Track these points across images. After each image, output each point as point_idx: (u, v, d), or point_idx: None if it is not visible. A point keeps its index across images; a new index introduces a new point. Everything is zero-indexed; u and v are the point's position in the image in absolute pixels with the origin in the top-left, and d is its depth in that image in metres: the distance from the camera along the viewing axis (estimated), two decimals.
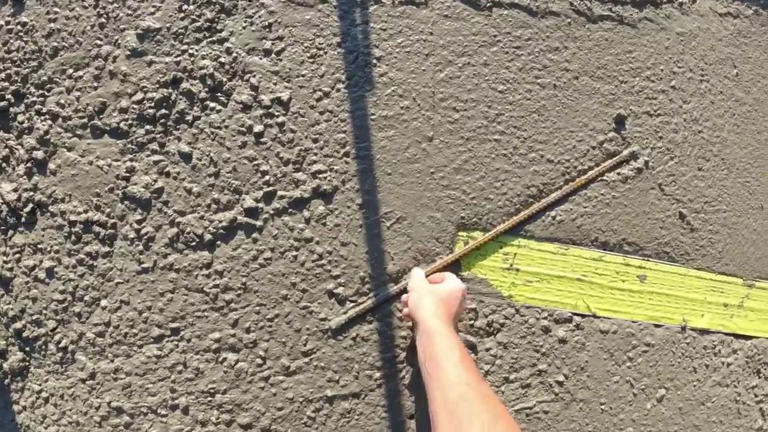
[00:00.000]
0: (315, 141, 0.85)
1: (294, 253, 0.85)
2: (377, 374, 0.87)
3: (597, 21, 0.91)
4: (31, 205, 0.86)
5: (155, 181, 0.85)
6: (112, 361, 0.86)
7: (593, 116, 0.90)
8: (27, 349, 0.89)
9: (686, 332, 0.98)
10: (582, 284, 0.92)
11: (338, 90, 0.86)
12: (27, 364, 0.89)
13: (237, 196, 0.85)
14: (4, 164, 0.87)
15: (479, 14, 0.87)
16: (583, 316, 0.92)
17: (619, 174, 0.91)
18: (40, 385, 0.89)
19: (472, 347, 0.89)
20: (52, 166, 0.85)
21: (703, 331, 1.00)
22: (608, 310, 0.93)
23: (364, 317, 0.86)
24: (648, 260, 0.95)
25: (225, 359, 0.86)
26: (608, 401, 0.95)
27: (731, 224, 1.00)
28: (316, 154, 0.85)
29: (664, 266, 0.96)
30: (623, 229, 0.93)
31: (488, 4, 0.87)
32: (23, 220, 0.87)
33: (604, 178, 0.91)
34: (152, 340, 0.86)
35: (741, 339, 1.03)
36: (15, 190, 0.86)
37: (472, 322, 0.89)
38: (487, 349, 0.89)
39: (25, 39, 0.85)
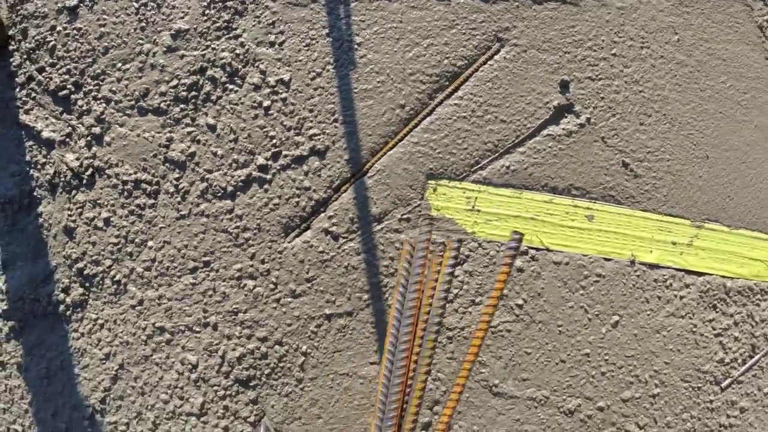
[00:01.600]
0: (311, 111, 1.07)
1: (296, 199, 1.07)
2: (366, 296, 1.07)
3: (542, 2, 1.09)
4: (90, 170, 1.12)
5: (189, 147, 1.09)
6: (156, 289, 1.11)
7: (540, 82, 1.08)
8: (87, 284, 1.14)
9: (635, 266, 1.13)
10: (535, 222, 1.09)
11: (328, 70, 1.07)
12: (86, 297, 1.15)
13: (251, 156, 1.08)
14: (67, 139, 1.14)
15: (440, 3, 1.07)
16: (537, 249, 1.10)
17: (563, 129, 1.09)
18: (96, 314, 1.14)
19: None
20: (107, 139, 1.11)
21: (653, 266, 1.14)
22: (560, 245, 1.10)
23: (355, 249, 1.07)
24: (595, 202, 1.11)
25: (245, 285, 1.08)
26: (564, 324, 1.11)
27: (675, 171, 1.14)
28: (311, 122, 1.07)
29: (611, 207, 1.12)
30: (570, 176, 1.09)
31: None
32: (84, 182, 1.13)
33: (550, 132, 1.08)
34: (188, 271, 1.09)
35: (693, 275, 1.16)
36: (77, 158, 1.12)
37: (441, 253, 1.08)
38: (456, 276, 1.08)
39: (80, 41, 1.12)
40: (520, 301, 1.09)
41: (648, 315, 1.14)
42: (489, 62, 1.07)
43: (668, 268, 1.15)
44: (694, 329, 1.15)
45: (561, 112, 1.08)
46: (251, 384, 1.09)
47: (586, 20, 1.10)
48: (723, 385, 1.18)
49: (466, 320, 1.09)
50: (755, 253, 1.18)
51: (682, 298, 1.15)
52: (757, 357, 1.19)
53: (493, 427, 1.11)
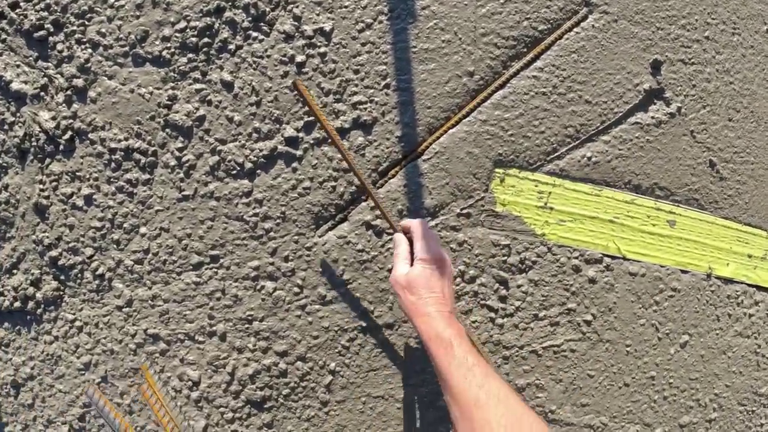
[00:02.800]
0: (356, 72, 0.86)
1: (332, 183, 0.86)
2: None
3: None
4: (70, 133, 0.86)
5: (197, 109, 0.85)
6: (150, 288, 0.87)
7: (631, 60, 0.91)
8: (62, 277, 0.90)
9: (711, 280, 1.00)
10: (614, 226, 0.93)
11: (380, 22, 0.86)
12: (61, 293, 0.90)
13: (278, 126, 0.86)
14: (42, 93, 0.87)
15: None
16: (613, 257, 0.94)
17: (653, 118, 0.92)
18: (74, 314, 0.90)
19: (503, 283, 0.90)
20: (92, 94, 0.85)
21: (728, 281, 1.01)
22: (638, 253, 0.95)
23: None
24: (678, 206, 0.96)
25: (263, 287, 0.87)
26: (633, 343, 0.96)
27: (758, 176, 1.01)
28: (356, 86, 0.86)
29: (694, 213, 0.97)
30: (656, 173, 0.94)
31: None
32: (61, 148, 0.87)
33: (639, 120, 0.92)
34: (191, 267, 0.87)
35: (763, 291, 1.05)
36: (53, 118, 0.86)
37: (505, 258, 0.90)
38: (519, 286, 0.91)
39: None
40: (589, 317, 0.94)
41: (717, 334, 1.02)
42: (575, 29, 0.89)
43: (741, 283, 1.03)
44: (758, 350, 1.04)
45: (651, 97, 0.92)
46: (265, 406, 0.88)
47: None
48: None
49: (526, 337, 0.92)
50: None
51: (750, 316, 1.04)
52: None
53: None
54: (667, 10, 0.93)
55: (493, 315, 0.90)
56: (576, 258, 0.92)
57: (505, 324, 0.91)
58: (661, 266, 0.96)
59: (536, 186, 0.90)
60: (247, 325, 0.87)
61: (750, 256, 1.03)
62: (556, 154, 0.89)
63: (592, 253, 0.93)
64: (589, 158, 0.90)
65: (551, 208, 0.91)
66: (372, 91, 0.86)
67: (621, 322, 0.95)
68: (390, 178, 0.87)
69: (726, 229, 1.00)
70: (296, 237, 0.87)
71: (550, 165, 0.90)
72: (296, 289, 0.87)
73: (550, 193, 0.90)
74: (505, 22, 0.87)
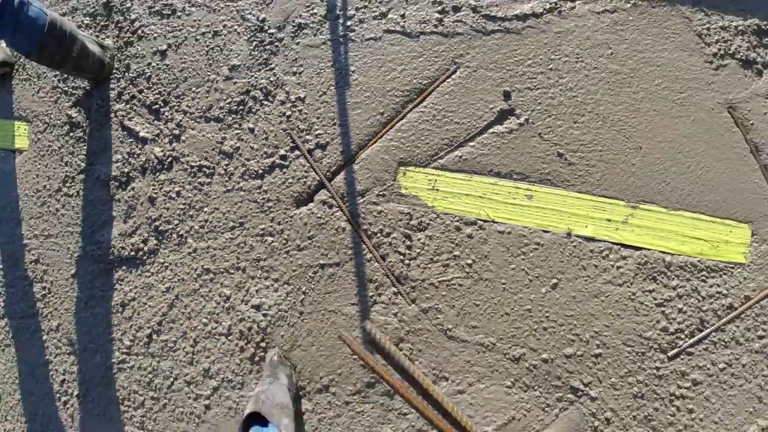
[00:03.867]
0: (317, 118, 1.50)
1: (304, 179, 1.49)
2: (350, 252, 1.43)
3: (490, 34, 1.44)
4: (170, 159, 1.63)
5: (235, 143, 1.57)
6: (206, 241, 1.56)
7: (487, 93, 1.42)
8: (159, 237, 1.62)
9: (572, 237, 1.37)
10: (483, 200, 1.39)
11: (331, 90, 1.51)
12: (158, 246, 1.62)
13: (276, 149, 1.53)
14: (156, 138, 1.67)
15: (411, 40, 1.48)
16: (484, 221, 1.39)
17: (506, 128, 1.40)
18: (164, 259, 1.61)
19: (408, 237, 1.40)
20: (183, 138, 1.62)
21: (589, 239, 1.37)
22: (503, 218, 1.38)
23: (343, 216, 1.45)
24: (534, 185, 1.39)
25: (266, 240, 1.49)
26: (508, 282, 1.37)
27: (608, 160, 1.38)
28: (318, 125, 1.50)
29: (548, 189, 1.39)
30: (511, 163, 1.39)
31: (417, 34, 1.47)
32: (165, 166, 1.64)
33: (495, 130, 1.40)
34: (228, 229, 1.54)
35: (630, 248, 1.35)
36: (162, 151, 1.64)
37: (408, 221, 1.41)
38: (419, 239, 1.40)
39: (168, 72, 1.67)
40: (470, 261, 1.38)
41: (585, 280, 1.35)
42: (447, 80, 1.43)
43: (604, 241, 1.36)
44: (633, 297, 1.33)
45: (504, 115, 1.40)
46: (264, 312, 1.47)
47: (526, 44, 1.43)
48: (670, 354, 1.31)
49: (425, 274, 1.39)
50: (698, 233, 1.34)
51: (619, 268, 1.35)
52: (708, 330, 1.30)
53: (447, 365, 1.38)
54: (515, 57, 1.43)
55: (402, 258, 1.40)
56: (457, 221, 1.39)
57: (411, 264, 1.40)
58: (524, 227, 1.38)
59: (426, 176, 1.42)
60: (257, 263, 1.49)
61: (609, 220, 1.37)
62: (438, 155, 1.41)
63: (468, 218, 1.39)
64: (461, 157, 1.41)
65: (437, 190, 1.41)
66: (326, 127, 1.49)
67: (495, 266, 1.37)
68: (337, 175, 1.47)
69: (580, 200, 1.38)
70: (285, 210, 1.49)
71: (435, 162, 1.42)
72: (284, 241, 1.48)
73: (436, 180, 1.41)
74: (402, 81, 1.46)
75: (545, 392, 1.34)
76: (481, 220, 1.39)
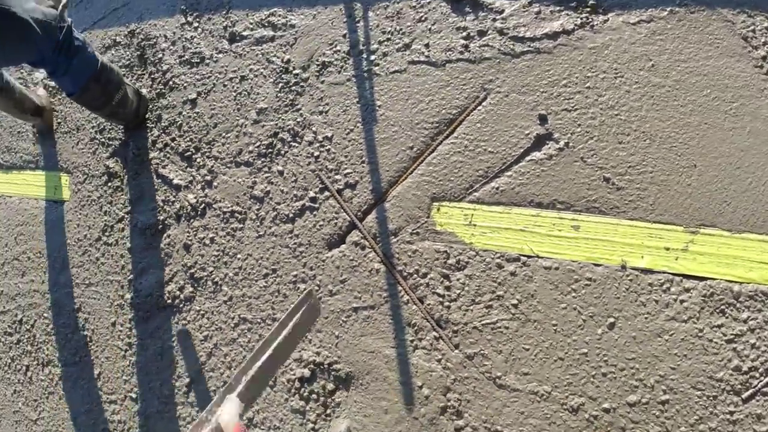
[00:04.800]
0: (346, 157, 1.47)
1: (335, 221, 1.44)
2: (385, 294, 1.36)
3: (519, 56, 1.37)
4: (203, 205, 1.64)
5: (266, 187, 1.55)
6: (241, 289, 1.54)
7: (521, 118, 1.34)
8: (195, 285, 1.62)
9: (627, 270, 1.24)
10: (525, 233, 1.30)
11: (358, 127, 1.47)
12: (194, 294, 1.62)
13: (305, 192, 1.50)
14: (189, 185, 1.68)
15: (437, 69, 1.43)
16: (528, 256, 1.29)
17: (544, 154, 1.31)
18: (200, 306, 1.60)
19: (446, 276, 1.32)
20: (215, 183, 1.63)
21: (646, 271, 1.24)
22: (549, 252, 1.28)
23: (377, 257, 1.39)
24: (579, 214, 1.28)
25: (299, 287, 1.45)
26: (559, 324, 1.25)
27: (659, 182, 1.26)
28: (346, 165, 1.46)
29: (596, 218, 1.27)
30: (553, 192, 1.29)
31: (443, 62, 1.42)
32: (199, 213, 1.64)
33: (532, 157, 1.31)
34: (262, 276, 1.51)
35: (693, 279, 1.21)
36: (195, 198, 1.65)
37: (445, 260, 1.33)
38: (458, 279, 1.32)
39: (198, 120, 1.69)
40: (515, 301, 1.28)
41: (645, 318, 1.22)
42: (477, 108, 1.37)
43: (663, 272, 1.23)
44: (700, 334, 1.18)
45: (541, 140, 1.32)
46: (311, 369, 1.42)
47: (559, 63, 1.35)
48: (744, 396, 1.16)
49: (468, 317, 1.30)
50: (767, 257, 1.19)
51: (683, 302, 1.21)
52: None
53: (500, 417, 1.27)
54: (548, 78, 1.35)
55: (441, 299, 1.32)
56: (498, 258, 1.30)
57: (451, 306, 1.31)
58: (573, 261, 1.27)
59: (462, 211, 1.34)
60: None
61: (668, 249, 1.24)
62: (473, 188, 1.34)
63: (510, 254, 1.30)
64: (498, 188, 1.32)
65: (475, 225, 1.33)
66: (355, 165, 1.45)
67: (543, 305, 1.26)
68: (368, 215, 1.42)
69: (633, 228, 1.26)
70: (317, 254, 1.45)
71: (470, 196, 1.34)
72: (316, 287, 1.43)
73: (472, 214, 1.33)
74: (430, 113, 1.41)
75: None
76: (524, 255, 1.29)
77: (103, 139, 1.90)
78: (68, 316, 1.87)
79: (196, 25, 1.81)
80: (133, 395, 1.68)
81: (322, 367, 1.40)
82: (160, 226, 1.69)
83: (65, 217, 1.96)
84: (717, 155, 1.23)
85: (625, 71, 1.31)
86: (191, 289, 1.61)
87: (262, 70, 1.64)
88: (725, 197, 1.21)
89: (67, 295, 1.90)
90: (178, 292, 1.63)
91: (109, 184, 1.85)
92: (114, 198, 1.83)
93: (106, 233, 1.81)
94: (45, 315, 1.94)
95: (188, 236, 1.64)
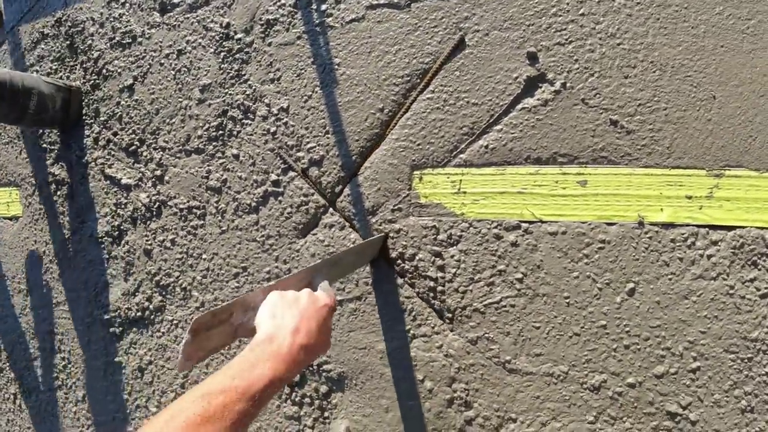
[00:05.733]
0: (306, 129, 1.26)
1: (305, 206, 1.26)
2: (371, 281, 1.19)
3: None
4: (157, 204, 1.45)
5: (222, 175, 1.36)
6: (212, 293, 1.37)
7: (507, 60, 1.12)
8: (163, 293, 1.45)
9: (645, 227, 1.06)
10: (524, 196, 1.11)
11: (316, 92, 1.25)
12: (164, 303, 1.46)
13: (266, 175, 1.30)
14: (139, 183, 1.49)
15: (401, 11, 1.19)
16: (530, 222, 1.10)
17: (538, 99, 1.10)
18: (172, 316, 1.44)
19: (438, 255, 1.15)
20: (166, 178, 1.43)
21: (668, 225, 1.06)
22: (553, 215, 1.09)
23: (358, 239, 1.21)
24: (585, 166, 1.08)
25: None
26: (572, 295, 1.09)
27: (676, 119, 1.06)
28: (308, 138, 1.26)
29: (605, 169, 1.08)
30: (553, 144, 1.09)
31: (407, 2, 1.18)
32: (154, 213, 1.46)
33: (525, 105, 1.10)
34: (232, 276, 1.34)
35: (720, 230, 1.04)
36: (148, 197, 1.46)
37: (435, 236, 1.15)
38: (452, 256, 1.14)
39: (138, 108, 1.47)
40: (520, 275, 1.11)
41: (670, 280, 1.05)
42: (454, 53, 1.14)
43: (687, 225, 1.05)
44: (731, 291, 1.02)
45: (533, 83, 1.10)
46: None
47: None
48: None
49: (467, 298, 1.14)
50: None
51: (710, 257, 1.04)
52: None
53: (513, 404, 1.13)
54: (535, 7, 1.11)
55: (435, 282, 1.15)
56: (495, 228, 1.12)
57: (447, 288, 1.15)
58: (582, 222, 1.08)
59: (448, 177, 1.15)
60: None
61: (690, 197, 1.05)
62: (458, 150, 1.13)
63: (509, 221, 1.11)
64: (487, 146, 1.12)
65: (464, 192, 1.14)
66: (318, 138, 1.25)
67: (553, 276, 1.09)
68: (340, 195, 1.23)
69: (649, 177, 1.07)
70: (289, 245, 1.27)
71: (456, 159, 1.14)
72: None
73: (460, 180, 1.14)
74: (399, 65, 1.18)
75: (637, 422, 1.06)
76: (525, 222, 1.11)
77: (44, 145, 1.69)
78: (42, 339, 1.73)
79: (123, 0, 1.55)
80: (120, 415, 1.56)
81: (311, 368, 1.26)
82: (117, 233, 1.51)
83: (21, 234, 1.78)
84: (738, 83, 1.02)
85: None
86: (160, 298, 1.45)
87: (200, 41, 1.40)
88: (750, 131, 1.02)
89: (38, 317, 1.75)
90: (146, 303, 1.47)
91: (58, 193, 1.66)
92: (65, 208, 1.64)
93: (64, 247, 1.64)
94: (20, 340, 1.80)
95: (147, 240, 1.46)
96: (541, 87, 1.10)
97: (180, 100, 1.42)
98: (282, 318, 0.63)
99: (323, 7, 1.26)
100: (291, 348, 0.59)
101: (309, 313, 0.65)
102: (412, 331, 1.18)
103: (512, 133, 1.11)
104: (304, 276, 0.79)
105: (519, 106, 1.11)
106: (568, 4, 1.09)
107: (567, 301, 1.09)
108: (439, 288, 1.15)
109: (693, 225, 1.05)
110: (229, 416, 0.47)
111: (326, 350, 0.68)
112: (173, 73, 1.43)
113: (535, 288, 1.10)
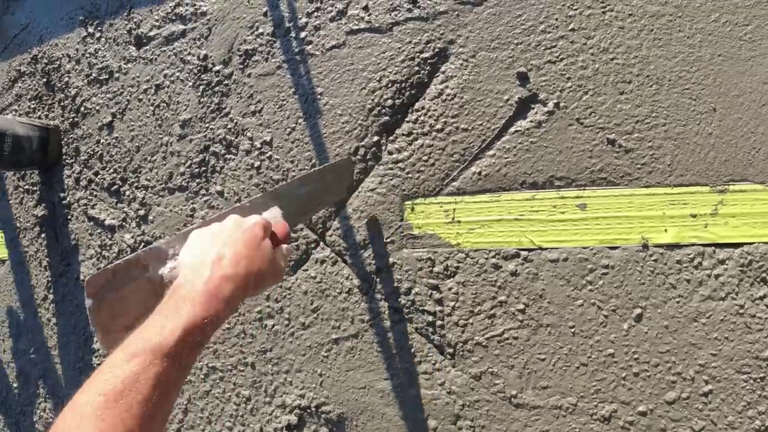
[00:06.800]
0: (291, 162, 1.21)
1: (294, 243, 1.21)
2: (367, 318, 1.14)
3: (482, 2, 1.09)
4: (143, 244, 1.40)
5: (207, 213, 1.31)
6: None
7: (496, 82, 1.07)
8: None
9: (649, 249, 1.01)
10: (521, 223, 1.06)
11: (300, 123, 1.21)
12: None
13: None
14: (123, 223, 1.44)
15: (383, 36, 1.14)
16: (529, 250, 1.05)
17: (531, 121, 1.05)
18: None
19: (435, 288, 1.10)
20: (150, 217, 1.38)
21: (672, 246, 1.01)
22: (553, 241, 1.05)
23: (350, 275, 1.16)
24: (584, 189, 1.04)
25: (266, 324, 1.23)
26: (577, 324, 1.04)
27: (675, 135, 1.01)
28: (294, 171, 1.21)
29: (605, 191, 1.03)
30: (549, 167, 1.04)
31: (388, 26, 1.14)
32: None
33: (518, 127, 1.05)
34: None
35: (727, 248, 0.99)
36: (132, 237, 1.41)
37: (431, 269, 1.10)
38: (449, 289, 1.09)
39: (119, 146, 1.42)
40: (521, 306, 1.06)
41: (677, 303, 1.01)
42: (439, 75, 1.10)
43: (692, 245, 1.00)
44: (742, 311, 0.97)
45: (525, 104, 1.05)
46: (298, 414, 1.22)
47: (533, 4, 1.07)
48: None
49: (468, 332, 1.09)
50: None
51: (717, 276, 0.99)
52: None
53: None
54: (522, 25, 1.07)
55: (433, 316, 1.10)
56: (493, 257, 1.07)
57: (447, 322, 1.10)
58: (584, 248, 1.03)
59: (441, 206, 1.10)
60: (263, 355, 1.24)
61: (694, 216, 1.01)
62: (450, 177, 1.08)
63: (507, 250, 1.06)
64: (479, 173, 1.07)
65: (459, 221, 1.09)
66: (304, 171, 1.20)
67: (556, 305, 1.04)
68: (328, 229, 1.18)
69: (651, 197, 1.02)
70: (280, 283, 1.22)
71: (448, 188, 1.09)
72: (286, 321, 1.21)
73: (454, 209, 1.09)
74: (383, 92, 1.13)
75: None
76: (524, 249, 1.06)
77: (26, 186, 1.65)
78: (35, 384, 1.68)
79: (98, 35, 1.51)
80: None
81: (309, 410, 1.21)
82: None
83: (9, 278, 1.73)
84: (738, 92, 0.98)
85: (614, 2, 1.03)
86: None
87: (177, 74, 1.35)
88: (753, 143, 0.97)
89: (30, 363, 1.70)
90: None
91: (43, 235, 1.61)
92: (50, 250, 1.59)
93: (51, 291, 1.59)
94: (14, 386, 1.75)
95: None
96: (533, 108, 1.05)
97: (160, 136, 1.37)
98: (203, 253, 0.52)
99: (302, 34, 1.21)
100: (209, 282, 0.48)
101: (234, 237, 0.53)
102: (412, 369, 1.13)
103: (506, 158, 1.06)
104: (240, 213, 0.61)
105: (511, 129, 1.06)
106: (557, 19, 1.05)
107: (572, 330, 1.04)
108: (438, 322, 1.10)
109: (699, 244, 1.00)
110: (145, 385, 0.41)
111: (271, 278, 0.56)
112: (152, 108, 1.38)
113: (538, 318, 1.05)
